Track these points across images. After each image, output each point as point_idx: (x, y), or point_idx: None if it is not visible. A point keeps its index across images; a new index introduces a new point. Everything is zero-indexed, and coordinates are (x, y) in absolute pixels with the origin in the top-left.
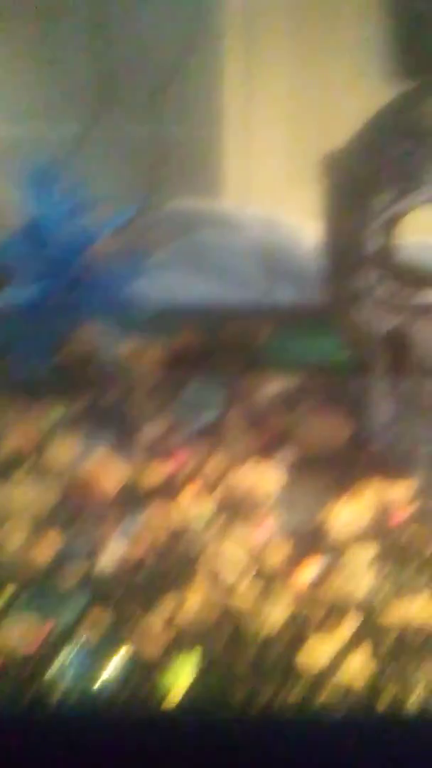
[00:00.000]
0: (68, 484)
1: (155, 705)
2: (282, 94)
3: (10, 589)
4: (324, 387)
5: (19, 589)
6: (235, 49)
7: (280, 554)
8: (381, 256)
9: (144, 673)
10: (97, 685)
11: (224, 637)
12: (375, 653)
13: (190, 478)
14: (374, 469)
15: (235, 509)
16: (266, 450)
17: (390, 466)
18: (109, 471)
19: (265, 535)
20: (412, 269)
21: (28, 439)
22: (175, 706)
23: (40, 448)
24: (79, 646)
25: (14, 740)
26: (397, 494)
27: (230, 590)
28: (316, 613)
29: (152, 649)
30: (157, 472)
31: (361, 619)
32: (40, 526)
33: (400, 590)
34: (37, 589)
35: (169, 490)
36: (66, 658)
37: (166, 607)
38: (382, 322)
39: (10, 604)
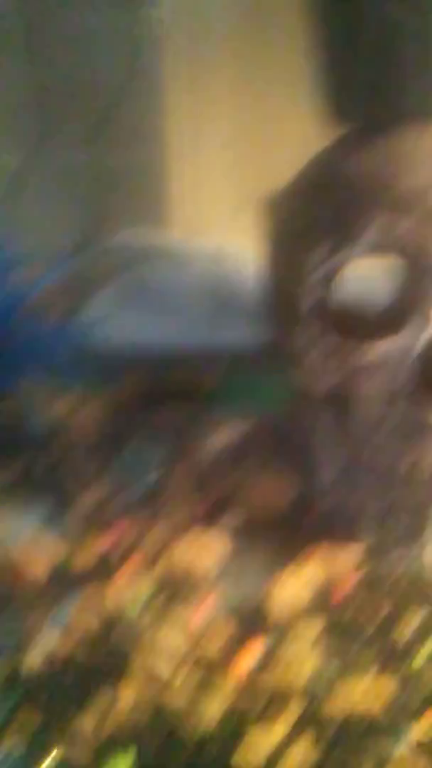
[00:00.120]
0: None
1: None
2: (226, 123)
3: None
4: (269, 441)
5: None
6: (177, 76)
7: (220, 639)
8: (320, 309)
9: None
10: None
11: (160, 736)
12: (317, 743)
13: (127, 554)
14: (319, 535)
15: (175, 588)
16: (209, 516)
17: (336, 531)
18: (40, 550)
19: (204, 617)
20: (353, 323)
21: None
22: None
23: None
24: (6, 751)
25: None
26: (343, 562)
27: (166, 684)
28: (256, 703)
29: (84, 752)
30: (92, 549)
31: (304, 706)
32: None
33: (346, 671)
34: None
35: (105, 569)
36: None
37: (98, 705)
38: (324, 377)
39: None
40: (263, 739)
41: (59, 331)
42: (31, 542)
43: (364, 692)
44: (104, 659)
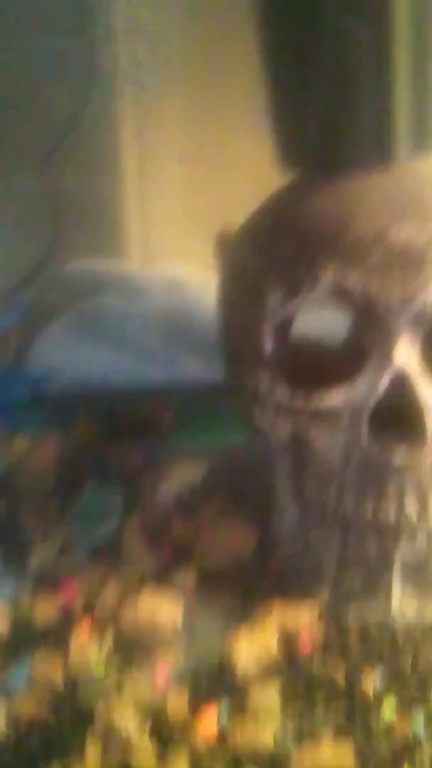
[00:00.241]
0: None
1: None
2: (180, 151)
3: None
4: (228, 485)
5: None
6: (131, 104)
7: (182, 697)
8: (275, 355)
9: None
10: None
11: None
12: None
13: (86, 610)
14: (280, 587)
15: (135, 646)
16: (167, 568)
17: (297, 582)
18: None
19: (166, 675)
20: (308, 370)
21: None
22: None
23: None
24: None
25: None
26: (306, 616)
27: (131, 744)
28: (222, 763)
29: None
30: (44, 610)
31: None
32: None
33: (311, 729)
34: None
35: (58, 631)
36: None
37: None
38: (281, 422)
39: None
40: None
41: (9, 369)
42: None
43: (330, 752)
44: (69, 719)
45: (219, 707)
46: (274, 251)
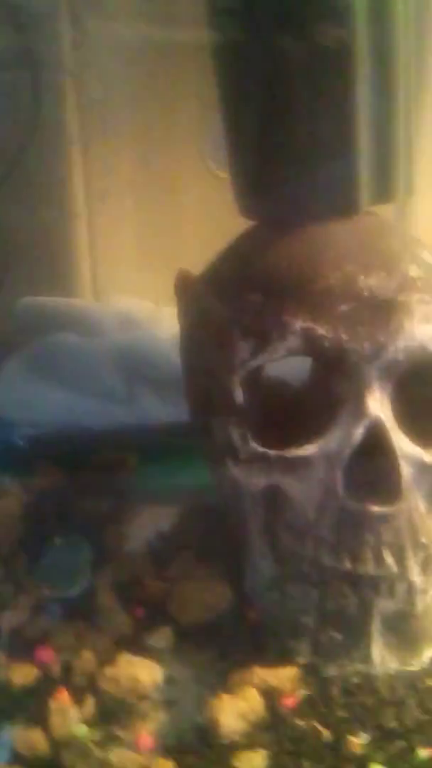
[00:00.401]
0: None
1: None
2: (132, 183)
3: None
4: (198, 534)
5: None
6: (81, 134)
7: (166, 764)
8: (247, 407)
9: None
10: None
11: None
12: None
13: (59, 679)
14: (258, 643)
15: (113, 716)
16: (141, 629)
17: (274, 638)
18: None
19: (148, 741)
20: (278, 424)
21: None
22: None
23: None
24: None
25: None
26: (285, 676)
27: None
28: None
29: None
30: (20, 674)
31: None
32: None
33: None
34: None
35: (37, 696)
36: None
37: None
38: (255, 475)
39: None
40: None
41: None
42: None
43: None
44: None
45: None
46: (242, 300)
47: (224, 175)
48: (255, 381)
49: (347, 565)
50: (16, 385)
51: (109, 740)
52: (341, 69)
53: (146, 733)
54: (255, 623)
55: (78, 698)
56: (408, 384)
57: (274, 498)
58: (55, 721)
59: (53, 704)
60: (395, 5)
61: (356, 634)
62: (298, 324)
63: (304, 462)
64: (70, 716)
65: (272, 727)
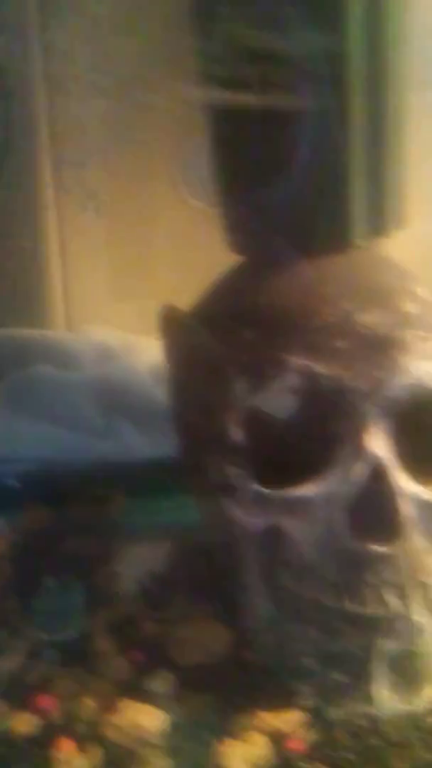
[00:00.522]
0: None
1: None
2: (107, 210)
3: None
4: (192, 574)
5: None
6: (55, 160)
7: None
8: (245, 446)
9: None
10: None
11: None
12: None
13: (61, 728)
14: (260, 685)
15: (120, 760)
16: (139, 674)
17: (276, 680)
18: None
19: None
20: (275, 464)
21: None
22: None
23: None
24: None
25: None
26: (288, 720)
27: None
28: None
29: None
30: (20, 723)
31: None
32: None
33: None
34: None
35: (39, 746)
36: None
37: None
38: (253, 515)
39: None
40: None
41: None
42: None
43: None
44: None
45: None
46: (236, 337)
47: (200, 204)
48: (252, 419)
49: (349, 605)
50: None
51: None
52: (336, 101)
53: None
54: (255, 665)
55: (82, 747)
56: (406, 421)
57: (273, 538)
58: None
59: (57, 754)
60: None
61: (359, 675)
62: (295, 362)
63: (305, 502)
64: (75, 766)
65: None
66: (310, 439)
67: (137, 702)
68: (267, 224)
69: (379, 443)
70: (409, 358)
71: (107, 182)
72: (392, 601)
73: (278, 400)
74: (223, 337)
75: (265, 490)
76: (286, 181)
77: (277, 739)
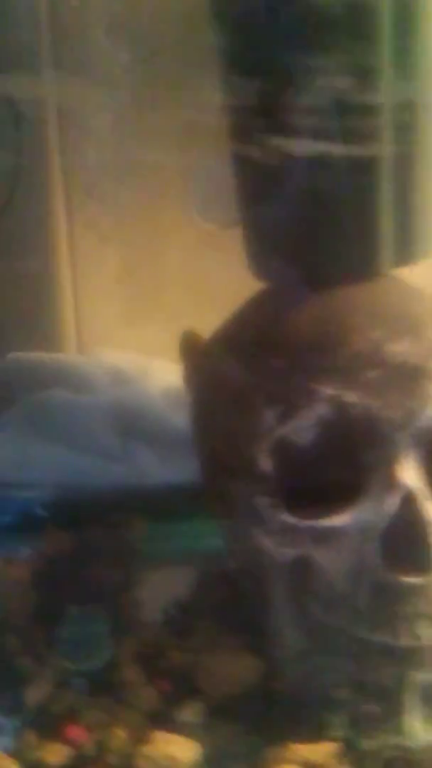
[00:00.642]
0: None
1: None
2: (117, 231)
3: None
4: (218, 602)
5: None
6: (66, 182)
7: None
8: (275, 476)
9: None
10: None
11: None
12: None
13: (91, 764)
14: (290, 716)
15: None
16: (169, 704)
17: (306, 711)
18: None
19: None
20: (305, 495)
21: None
22: None
23: None
24: None
25: None
26: (321, 752)
27: None
28: None
29: None
30: (52, 755)
31: None
32: None
33: None
34: None
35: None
36: None
37: None
38: (283, 545)
39: None
40: None
41: None
42: None
43: None
44: None
45: None
46: (264, 365)
47: (211, 226)
48: (281, 448)
49: (382, 637)
50: (9, 445)
51: None
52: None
53: None
54: (285, 695)
55: None
56: None
57: (303, 569)
58: None
59: None
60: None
61: (391, 706)
62: (326, 391)
63: (337, 533)
64: None
65: None
66: (341, 468)
67: (168, 732)
68: (293, 251)
69: (410, 473)
70: None
71: (119, 206)
72: (424, 632)
73: (308, 430)
74: (248, 365)
75: (295, 520)
76: (314, 207)
77: None
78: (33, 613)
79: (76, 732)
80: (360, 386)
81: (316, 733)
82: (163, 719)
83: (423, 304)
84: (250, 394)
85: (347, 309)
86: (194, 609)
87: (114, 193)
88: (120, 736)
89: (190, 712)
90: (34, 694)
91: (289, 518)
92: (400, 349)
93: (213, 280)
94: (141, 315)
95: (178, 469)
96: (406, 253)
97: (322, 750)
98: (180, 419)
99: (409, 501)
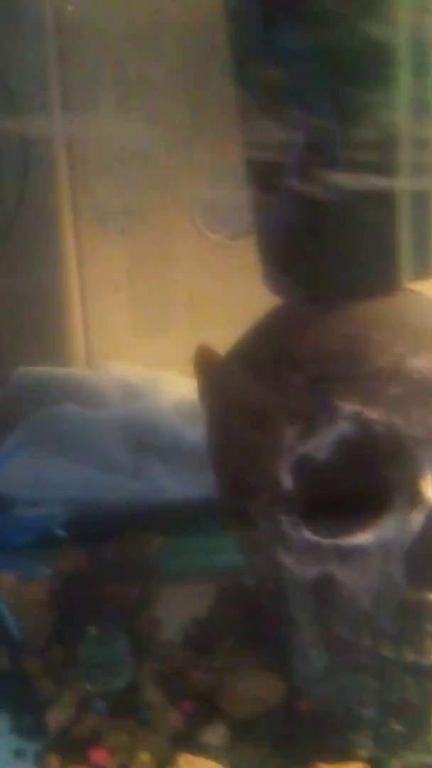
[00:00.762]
0: None
1: None
2: (125, 245)
3: None
4: (238, 620)
5: None
6: (74, 196)
7: None
8: (297, 494)
9: None
10: None
11: None
12: None
13: None
14: (316, 737)
15: None
16: (192, 726)
17: (332, 731)
18: None
19: None
20: (328, 514)
21: None
22: None
23: None
24: None
25: None
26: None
27: None
28: None
29: None
30: None
31: None
32: None
33: None
34: None
35: None
36: None
37: None
38: (306, 564)
39: None
40: None
41: None
42: None
43: None
44: None
45: None
46: (284, 382)
47: (217, 237)
48: (303, 466)
49: (408, 656)
50: (21, 462)
51: None
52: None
53: None
54: (309, 715)
55: None
56: None
57: (327, 587)
58: None
59: None
60: None
61: (418, 725)
62: (349, 408)
63: (360, 551)
64: None
65: None
66: (363, 486)
67: (192, 755)
68: (311, 266)
69: None
70: None
71: (127, 219)
72: None
73: (329, 447)
74: (267, 382)
75: (318, 539)
76: (332, 222)
77: None
78: (51, 633)
79: (99, 755)
80: (382, 402)
81: (342, 754)
82: (186, 741)
83: None
84: (269, 411)
85: (367, 324)
86: (213, 627)
87: (122, 208)
88: (144, 759)
89: (213, 734)
90: (56, 717)
91: (311, 536)
92: (422, 364)
93: (221, 291)
94: (150, 327)
95: (191, 484)
96: (425, 267)
97: None
98: (193, 433)
99: None
